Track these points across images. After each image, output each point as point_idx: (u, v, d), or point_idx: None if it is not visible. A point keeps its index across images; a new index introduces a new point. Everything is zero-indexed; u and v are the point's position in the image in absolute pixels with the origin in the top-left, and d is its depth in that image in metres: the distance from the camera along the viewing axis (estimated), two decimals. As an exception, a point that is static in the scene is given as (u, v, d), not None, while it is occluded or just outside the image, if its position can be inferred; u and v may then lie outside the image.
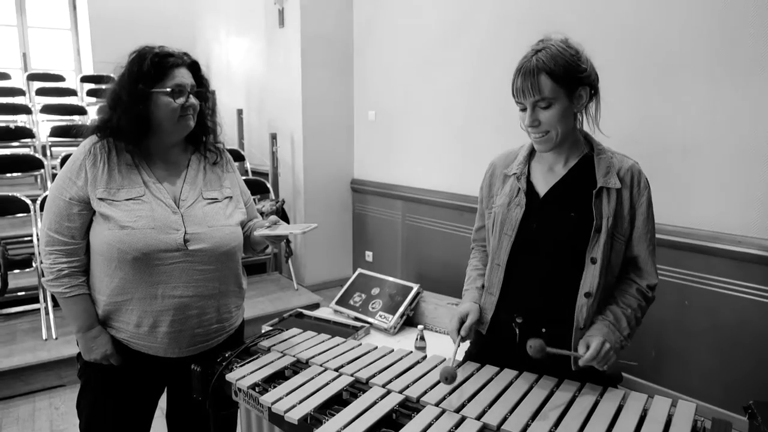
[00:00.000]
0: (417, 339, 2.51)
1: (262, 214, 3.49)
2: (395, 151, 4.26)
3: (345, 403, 1.19)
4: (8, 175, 4.12)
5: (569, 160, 1.35)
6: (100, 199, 1.36)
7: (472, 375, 1.31)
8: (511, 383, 1.26)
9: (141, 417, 1.52)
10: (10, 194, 3.43)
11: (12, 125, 4.84)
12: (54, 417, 2.69)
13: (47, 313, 3.18)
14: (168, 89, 1.37)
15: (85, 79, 6.07)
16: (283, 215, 4.12)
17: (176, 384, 1.56)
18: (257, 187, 4.33)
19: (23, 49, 6.43)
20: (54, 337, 3.11)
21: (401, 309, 2.93)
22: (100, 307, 1.42)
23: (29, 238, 3.60)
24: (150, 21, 6.21)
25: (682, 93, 2.54)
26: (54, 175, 3.70)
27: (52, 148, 4.79)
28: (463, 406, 1.16)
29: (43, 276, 1.43)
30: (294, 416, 1.14)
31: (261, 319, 3.46)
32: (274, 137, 4.58)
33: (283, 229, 1.47)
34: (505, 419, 1.10)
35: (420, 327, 2.56)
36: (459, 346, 1.29)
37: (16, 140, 4.69)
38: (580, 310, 1.28)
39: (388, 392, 1.23)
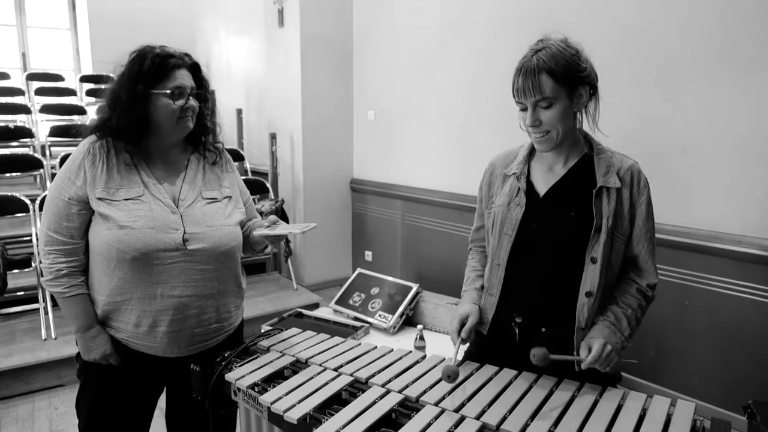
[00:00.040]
0: (416, 339, 2.51)
1: (261, 213, 3.49)
2: (395, 150, 4.26)
3: (344, 403, 1.19)
4: (7, 174, 4.12)
5: (569, 159, 1.35)
6: (99, 198, 1.36)
7: (471, 374, 1.30)
8: (510, 383, 1.26)
9: (140, 417, 1.52)
10: (9, 194, 3.43)
11: (11, 125, 4.83)
12: (53, 417, 2.69)
13: (46, 313, 3.18)
14: (168, 91, 1.37)
15: (85, 78, 6.07)
16: (282, 215, 4.11)
17: (175, 384, 1.56)
18: (257, 186, 4.33)
19: (22, 49, 6.43)
20: (53, 336, 3.11)
21: (401, 309, 2.93)
22: (99, 306, 1.42)
23: (28, 238, 3.60)
24: (149, 21, 6.21)
25: (682, 93, 2.54)
26: (53, 175, 3.69)
27: (52, 148, 4.79)
28: (462, 405, 1.15)
29: (42, 276, 1.43)
30: (293, 416, 1.14)
31: (260, 318, 3.46)
32: (273, 137, 4.58)
33: (282, 228, 1.47)
34: (504, 419, 1.10)
35: (419, 327, 2.56)
36: (459, 348, 1.29)
37: (16, 140, 4.69)
38: (582, 310, 1.28)
39: (388, 392, 1.23)
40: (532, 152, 1.40)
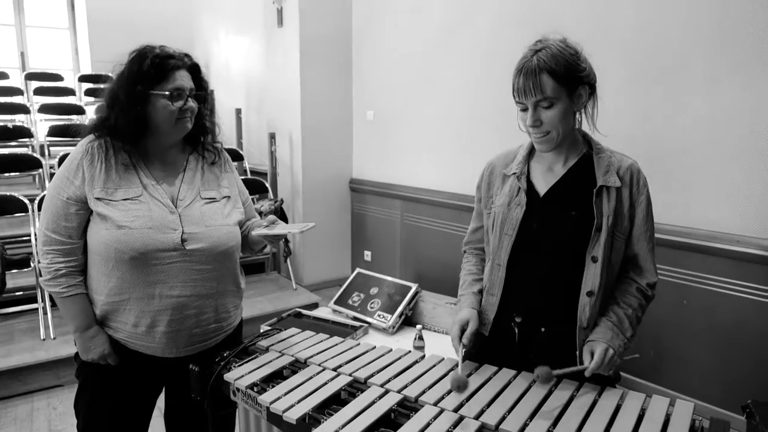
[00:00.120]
0: (415, 338, 2.51)
1: (260, 213, 3.49)
2: (394, 150, 4.26)
3: (343, 403, 1.19)
4: (6, 174, 4.11)
5: (569, 159, 1.35)
6: (98, 198, 1.36)
7: (470, 374, 1.30)
8: (509, 382, 1.25)
9: (139, 417, 1.52)
10: (8, 194, 3.42)
11: (10, 125, 4.83)
12: (52, 417, 2.68)
13: (45, 313, 3.17)
14: (167, 92, 1.36)
15: (83, 78, 6.07)
16: (281, 215, 4.11)
17: (174, 384, 1.55)
18: (256, 186, 4.33)
19: (21, 49, 6.43)
20: (52, 336, 3.10)
21: (400, 308, 2.93)
22: (98, 306, 1.41)
23: (27, 238, 3.60)
24: (148, 20, 6.21)
25: (682, 93, 2.54)
26: (52, 175, 3.68)
27: (50, 148, 4.78)
28: (461, 405, 1.15)
29: (40, 276, 1.43)
30: (292, 416, 1.14)
31: (259, 318, 3.46)
32: (272, 137, 4.58)
33: (281, 228, 1.46)
34: (503, 419, 1.10)
35: (418, 326, 2.56)
36: (461, 353, 1.29)
37: (14, 140, 4.69)
38: (583, 310, 1.28)
39: (387, 392, 1.22)
40: (531, 152, 1.40)
